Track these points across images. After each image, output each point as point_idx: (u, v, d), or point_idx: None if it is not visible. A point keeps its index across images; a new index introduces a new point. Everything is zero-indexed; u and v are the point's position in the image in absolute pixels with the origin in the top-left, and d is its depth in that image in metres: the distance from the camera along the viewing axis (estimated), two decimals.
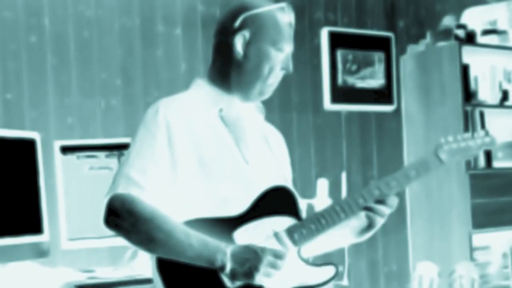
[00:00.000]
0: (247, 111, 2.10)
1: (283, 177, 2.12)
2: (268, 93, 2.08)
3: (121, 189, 1.88)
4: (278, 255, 1.85)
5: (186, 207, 1.91)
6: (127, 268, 3.34)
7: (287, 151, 2.24)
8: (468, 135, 2.14)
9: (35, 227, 3.26)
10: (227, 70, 2.05)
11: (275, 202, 1.99)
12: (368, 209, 2.03)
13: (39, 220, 3.28)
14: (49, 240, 3.32)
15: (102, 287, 3.22)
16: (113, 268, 3.41)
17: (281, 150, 2.21)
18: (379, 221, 2.06)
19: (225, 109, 2.04)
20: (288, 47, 2.04)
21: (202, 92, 2.06)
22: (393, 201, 2.05)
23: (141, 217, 1.84)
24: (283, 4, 2.06)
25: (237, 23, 2.02)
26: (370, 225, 2.08)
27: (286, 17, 2.04)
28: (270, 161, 2.11)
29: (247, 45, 2.01)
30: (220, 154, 1.98)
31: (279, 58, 2.03)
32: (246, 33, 2.01)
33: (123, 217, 1.85)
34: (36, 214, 3.28)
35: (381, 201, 2.03)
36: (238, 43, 2.01)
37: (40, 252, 3.27)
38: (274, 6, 2.04)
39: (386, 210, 2.04)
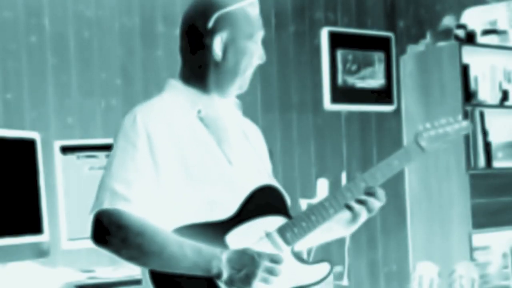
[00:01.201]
0: (226, 108, 2.05)
1: (268, 173, 2.09)
2: (245, 86, 2.04)
3: (107, 204, 1.82)
4: (275, 260, 1.81)
5: (174, 214, 1.86)
6: (127, 268, 3.34)
7: (265, 145, 2.20)
8: (445, 120, 2.16)
9: (35, 227, 3.26)
10: (203, 71, 1.99)
11: (263, 202, 1.95)
12: (359, 201, 2.00)
13: (39, 220, 3.28)
14: (49, 240, 3.32)
15: (102, 287, 3.22)
16: (113, 268, 3.40)
17: (260, 144, 2.17)
18: (364, 215, 2.03)
19: (203, 109, 1.99)
20: (261, 36, 2.01)
21: (179, 94, 2.00)
22: (381, 193, 2.03)
23: (131, 231, 1.78)
24: None
25: (211, 23, 1.95)
26: (353, 218, 2.04)
27: (254, 7, 2.00)
28: (253, 158, 2.07)
29: (225, 45, 1.96)
30: (203, 157, 1.93)
31: (255, 50, 2.00)
32: (223, 34, 1.95)
33: (112, 232, 1.80)
34: (36, 214, 3.28)
35: (370, 194, 2.02)
36: (217, 45, 1.95)
37: (40, 252, 3.27)
38: (244, 2, 1.98)
39: (376, 203, 2.02)
